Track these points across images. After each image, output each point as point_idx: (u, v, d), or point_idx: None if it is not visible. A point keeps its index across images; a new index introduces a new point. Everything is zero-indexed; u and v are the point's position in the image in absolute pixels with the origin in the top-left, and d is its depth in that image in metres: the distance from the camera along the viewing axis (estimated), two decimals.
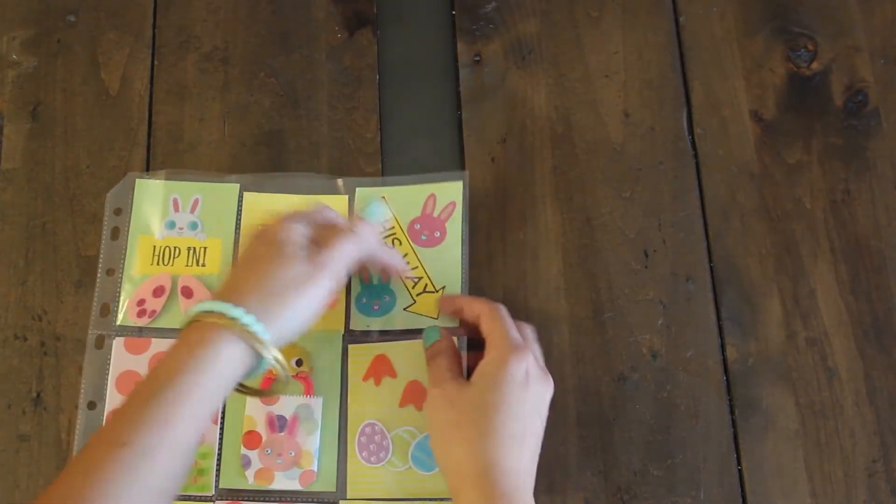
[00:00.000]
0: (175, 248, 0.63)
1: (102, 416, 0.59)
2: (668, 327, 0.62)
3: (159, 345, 0.61)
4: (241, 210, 0.64)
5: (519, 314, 0.62)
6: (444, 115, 0.68)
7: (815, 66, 0.68)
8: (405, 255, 0.63)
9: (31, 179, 0.65)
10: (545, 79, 0.68)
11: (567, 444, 0.60)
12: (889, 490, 0.59)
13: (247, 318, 0.48)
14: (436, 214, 0.64)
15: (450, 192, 0.64)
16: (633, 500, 0.59)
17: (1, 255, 0.64)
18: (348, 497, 0.58)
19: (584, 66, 0.68)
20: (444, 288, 0.62)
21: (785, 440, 0.60)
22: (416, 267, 0.62)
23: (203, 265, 0.63)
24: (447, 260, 0.63)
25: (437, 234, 0.63)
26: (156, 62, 0.68)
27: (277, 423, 0.59)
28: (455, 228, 0.63)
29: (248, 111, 0.67)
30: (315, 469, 0.59)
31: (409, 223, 0.64)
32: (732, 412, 0.61)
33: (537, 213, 0.65)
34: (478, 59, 0.69)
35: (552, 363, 0.61)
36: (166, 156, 0.66)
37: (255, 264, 0.51)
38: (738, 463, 0.60)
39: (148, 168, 0.66)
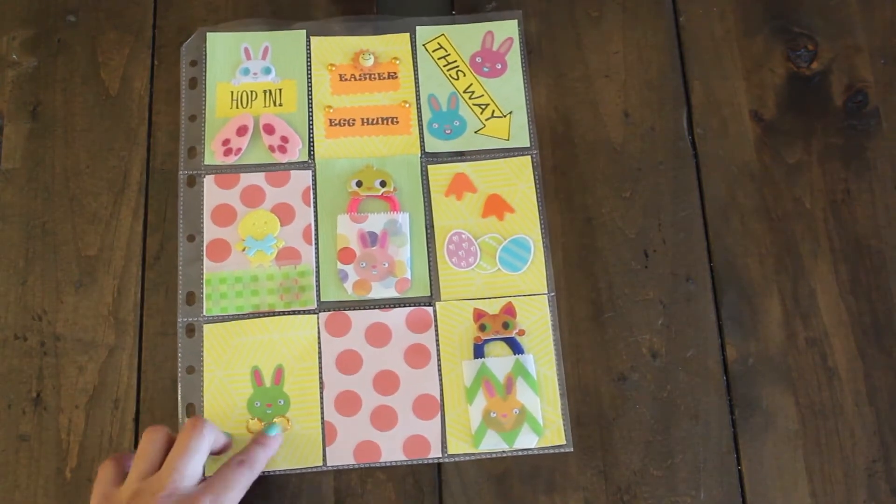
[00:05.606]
0: (252, 91, 0.67)
1: (202, 247, 0.63)
2: (668, 327, 0.62)
3: (248, 179, 0.65)
4: (310, 53, 0.68)
5: None
6: None
7: (815, 66, 0.68)
8: (469, 84, 0.67)
9: (31, 179, 0.65)
10: (545, 79, 0.68)
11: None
12: (889, 490, 0.59)
13: None
14: (495, 48, 0.68)
15: (506, 29, 0.69)
16: (633, 500, 0.59)
17: (1, 255, 0.64)
18: (442, 299, 0.63)
19: (584, 66, 0.68)
20: (511, 113, 0.66)
21: (785, 440, 0.60)
22: (483, 95, 0.67)
23: (280, 105, 0.67)
24: (511, 88, 0.67)
25: (499, 66, 0.68)
26: (156, 62, 0.68)
27: (369, 239, 0.63)
28: (515, 60, 0.68)
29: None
30: (409, 277, 0.63)
31: (470, 57, 0.68)
32: (732, 412, 0.61)
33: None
34: None
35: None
36: (166, 156, 0.66)
37: None
38: (738, 463, 0.60)
39: (148, 169, 0.65)
